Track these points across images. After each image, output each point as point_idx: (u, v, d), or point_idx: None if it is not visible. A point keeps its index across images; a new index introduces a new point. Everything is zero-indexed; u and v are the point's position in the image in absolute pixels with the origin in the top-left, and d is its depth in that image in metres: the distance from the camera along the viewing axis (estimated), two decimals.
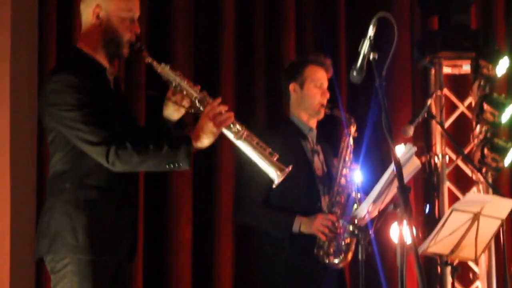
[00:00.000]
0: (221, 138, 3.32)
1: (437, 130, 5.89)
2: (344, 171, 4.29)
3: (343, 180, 4.27)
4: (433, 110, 5.81)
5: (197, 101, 3.31)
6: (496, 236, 4.41)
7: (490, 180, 5.66)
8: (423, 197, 5.95)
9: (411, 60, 6.01)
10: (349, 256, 4.24)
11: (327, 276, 4.21)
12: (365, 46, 3.21)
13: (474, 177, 5.90)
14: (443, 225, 4.15)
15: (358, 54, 3.23)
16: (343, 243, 4.19)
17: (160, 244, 5.28)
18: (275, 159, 3.30)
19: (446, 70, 5.98)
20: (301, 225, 4.17)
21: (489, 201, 4.25)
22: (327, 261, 4.19)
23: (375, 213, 4.03)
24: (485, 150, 5.60)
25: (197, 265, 5.35)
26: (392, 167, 3.71)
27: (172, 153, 3.16)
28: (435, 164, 5.82)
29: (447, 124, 5.96)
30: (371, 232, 4.08)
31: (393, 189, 3.74)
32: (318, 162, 4.35)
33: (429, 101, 4.95)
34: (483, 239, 4.27)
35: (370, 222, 4.08)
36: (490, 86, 5.80)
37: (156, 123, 3.42)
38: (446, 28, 5.90)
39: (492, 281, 5.72)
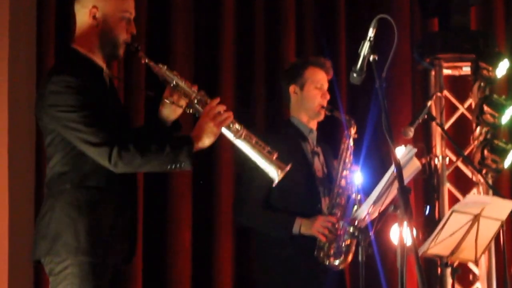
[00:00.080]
0: (221, 138, 3.31)
1: (437, 132, 5.89)
2: (344, 172, 4.28)
3: (343, 182, 4.26)
4: (433, 112, 5.80)
5: (195, 101, 3.30)
6: (496, 237, 4.40)
7: (490, 181, 5.66)
8: (423, 199, 5.95)
9: (411, 62, 6.01)
10: (349, 257, 4.23)
11: (327, 278, 4.20)
12: (365, 48, 3.21)
13: (474, 179, 5.90)
14: (443, 227, 4.15)
15: (358, 55, 3.22)
16: (343, 245, 4.18)
17: (160, 245, 5.28)
18: (274, 157, 3.29)
19: (446, 71, 5.98)
20: (301, 226, 4.16)
21: (489, 202, 4.24)
22: (327, 263, 4.18)
23: (375, 214, 4.02)
24: (485, 152, 5.60)
25: (197, 265, 5.35)
26: (392, 169, 3.70)
27: (175, 154, 3.14)
28: (435, 165, 5.82)
29: (447, 125, 5.96)
30: (371, 233, 4.07)
31: (393, 191, 3.73)
32: (318, 163, 4.34)
33: (429, 103, 4.93)
34: (483, 241, 4.27)
35: (370, 223, 4.06)
36: (490, 87, 5.80)
37: (155, 123, 3.40)
38: (446, 30, 5.90)
39: (492, 282, 5.72)
